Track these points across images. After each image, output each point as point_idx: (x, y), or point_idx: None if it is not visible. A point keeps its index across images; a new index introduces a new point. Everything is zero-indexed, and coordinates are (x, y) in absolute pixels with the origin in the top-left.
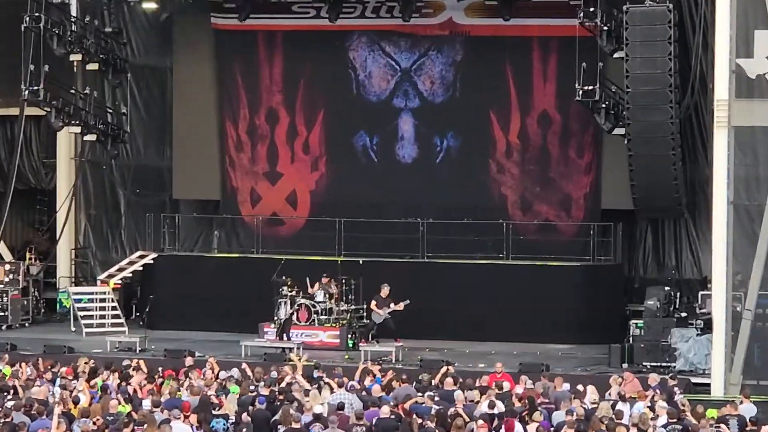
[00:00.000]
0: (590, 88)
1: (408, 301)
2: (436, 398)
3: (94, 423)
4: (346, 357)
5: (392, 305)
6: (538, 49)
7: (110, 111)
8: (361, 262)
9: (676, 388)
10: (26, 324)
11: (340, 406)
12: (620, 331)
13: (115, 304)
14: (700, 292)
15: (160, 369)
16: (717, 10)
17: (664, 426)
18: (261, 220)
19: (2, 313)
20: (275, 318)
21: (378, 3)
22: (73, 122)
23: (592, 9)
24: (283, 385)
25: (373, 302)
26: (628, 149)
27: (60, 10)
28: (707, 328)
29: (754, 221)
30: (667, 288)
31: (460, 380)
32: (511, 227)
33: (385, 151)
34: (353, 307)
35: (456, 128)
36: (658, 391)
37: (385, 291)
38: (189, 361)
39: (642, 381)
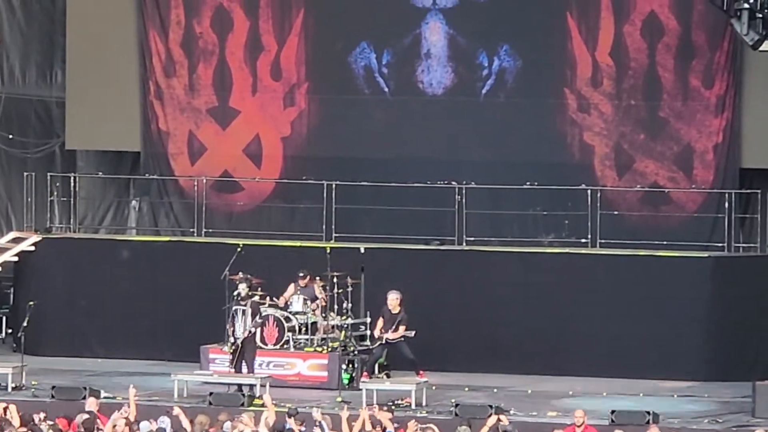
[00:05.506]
0: None
1: (412, 333)
2: None
3: None
4: (339, 399)
5: (388, 332)
6: None
7: None
8: (362, 250)
9: None
10: None
11: None
12: None
13: None
14: None
15: (41, 416)
16: None
17: None
18: (206, 183)
19: None
20: (228, 338)
21: None
22: None
23: None
24: None
25: (379, 323)
26: None
27: None
28: None
29: None
30: None
31: None
32: (600, 196)
33: (402, 77)
34: (350, 321)
35: (513, 40)
36: None
37: (393, 300)
38: (91, 404)
39: None
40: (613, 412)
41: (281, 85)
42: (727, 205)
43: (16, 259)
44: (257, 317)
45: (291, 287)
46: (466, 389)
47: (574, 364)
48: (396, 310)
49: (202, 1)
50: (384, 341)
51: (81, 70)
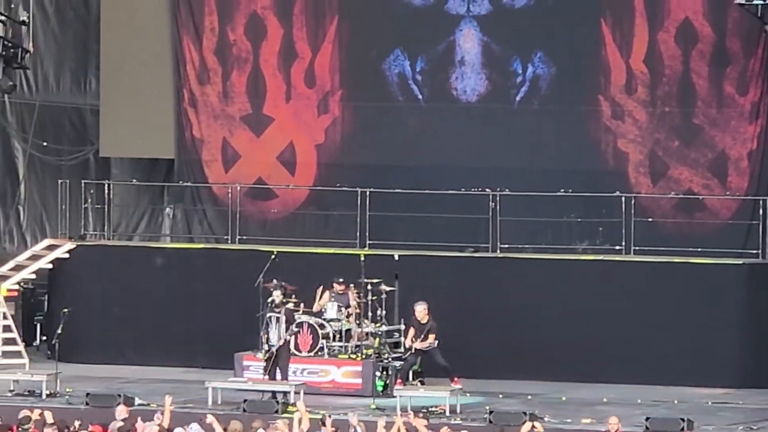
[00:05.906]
0: None
1: (435, 342)
2: None
3: None
4: (373, 407)
5: (417, 342)
6: None
7: (1, 18)
8: (396, 257)
9: None
10: None
11: None
12: None
13: (9, 322)
14: None
15: (76, 424)
16: None
17: None
18: (239, 190)
19: None
20: (262, 345)
21: None
22: None
23: None
24: None
25: (410, 332)
26: None
27: None
28: None
29: None
30: None
31: None
32: (635, 203)
33: (436, 84)
34: (384, 328)
35: (547, 48)
36: None
37: (421, 311)
38: (122, 411)
39: None
40: (647, 419)
41: (315, 92)
42: (761, 212)
43: (50, 266)
44: (292, 324)
45: (326, 294)
46: (500, 396)
47: (608, 370)
48: (424, 320)
49: (236, 9)
50: (413, 350)
51: (115, 78)
